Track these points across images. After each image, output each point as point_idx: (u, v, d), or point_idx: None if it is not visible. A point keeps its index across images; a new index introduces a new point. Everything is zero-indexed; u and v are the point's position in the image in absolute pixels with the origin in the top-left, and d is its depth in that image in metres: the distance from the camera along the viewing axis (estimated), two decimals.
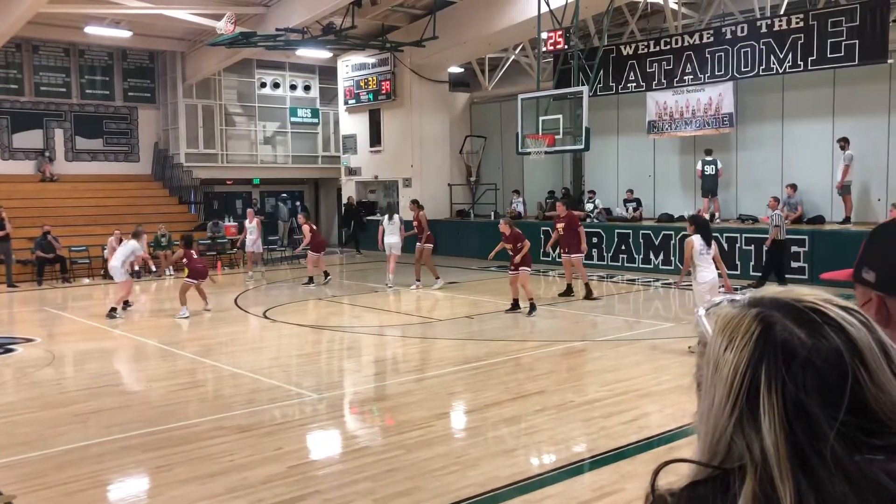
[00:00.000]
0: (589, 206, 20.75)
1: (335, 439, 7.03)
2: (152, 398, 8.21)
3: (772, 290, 0.88)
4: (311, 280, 17.16)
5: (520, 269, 12.46)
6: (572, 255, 14.17)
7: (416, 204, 16.73)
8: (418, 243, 16.19)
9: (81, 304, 16.02)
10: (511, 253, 12.65)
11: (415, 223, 16.36)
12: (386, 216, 17.02)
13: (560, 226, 14.31)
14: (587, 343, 10.82)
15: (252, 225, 18.53)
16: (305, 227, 17.13)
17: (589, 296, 13.95)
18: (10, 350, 10.93)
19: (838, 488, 0.74)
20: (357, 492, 5.40)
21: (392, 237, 16.44)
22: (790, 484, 0.75)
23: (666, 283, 16.18)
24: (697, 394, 0.90)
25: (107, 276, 19.36)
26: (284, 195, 27.33)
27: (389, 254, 16.38)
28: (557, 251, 15.55)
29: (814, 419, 0.77)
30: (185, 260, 13.87)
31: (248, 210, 20.09)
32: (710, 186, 18.21)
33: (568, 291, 14.40)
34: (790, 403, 0.77)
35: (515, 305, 12.76)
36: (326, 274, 17.39)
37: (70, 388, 8.79)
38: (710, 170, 18.14)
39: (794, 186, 17.02)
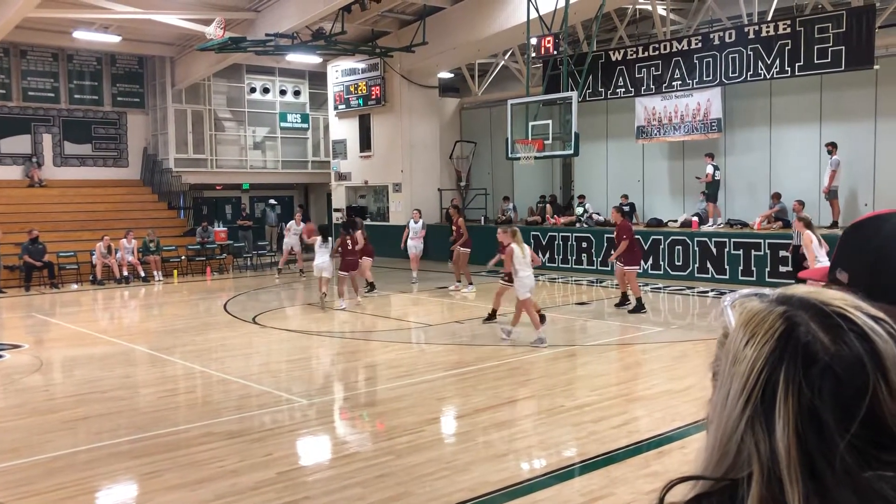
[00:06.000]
0: (579, 210, 20.82)
1: (325, 445, 7.02)
2: (141, 404, 8.17)
3: (802, 289, 0.86)
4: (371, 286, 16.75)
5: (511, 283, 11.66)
6: (625, 267, 13.38)
7: (456, 209, 17.57)
8: (453, 247, 16.76)
9: (69, 310, 15.94)
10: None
11: (454, 227, 16.98)
12: (411, 220, 18.68)
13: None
14: (577, 348, 10.84)
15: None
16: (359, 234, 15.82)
17: (636, 309, 13.13)
18: None
19: (845, 499, 0.73)
20: (347, 497, 5.39)
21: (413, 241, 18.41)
22: (799, 489, 0.74)
23: (655, 288, 16.24)
24: (713, 383, 0.89)
25: (95, 281, 19.35)
26: (273, 201, 27.27)
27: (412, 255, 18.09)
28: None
29: (826, 427, 0.75)
30: (339, 249, 14.80)
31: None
32: (716, 191, 18.24)
33: (622, 301, 13.63)
34: (804, 408, 0.76)
35: (492, 316, 12.33)
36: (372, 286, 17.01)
37: (58, 395, 8.74)
38: (718, 174, 18.18)
39: (777, 195, 17.14)
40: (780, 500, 0.76)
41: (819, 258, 10.58)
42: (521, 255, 10.58)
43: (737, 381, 0.81)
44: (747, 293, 0.88)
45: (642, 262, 17.79)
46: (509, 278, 11.30)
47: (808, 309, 0.81)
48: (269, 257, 23.70)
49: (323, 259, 14.82)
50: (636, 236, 14.14)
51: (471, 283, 16.42)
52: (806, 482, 0.75)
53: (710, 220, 18.06)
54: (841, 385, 0.76)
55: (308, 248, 21.50)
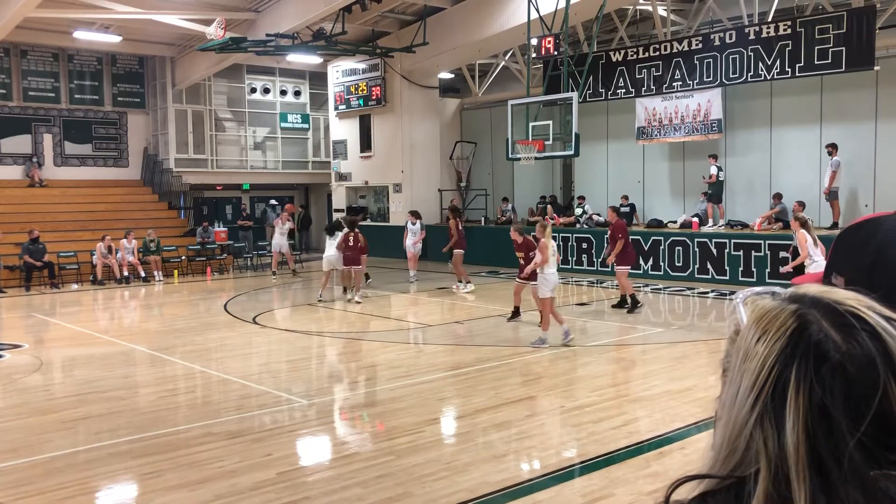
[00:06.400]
0: (578, 211, 20.81)
1: (325, 445, 7.02)
2: (141, 404, 8.17)
3: (814, 287, 0.86)
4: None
5: (531, 281, 11.48)
6: (617, 267, 13.46)
7: (451, 211, 18.02)
8: (445, 248, 17.32)
9: (70, 310, 15.94)
10: (522, 262, 11.89)
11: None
12: (408, 222, 18.74)
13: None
14: (577, 348, 10.83)
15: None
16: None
17: (632, 307, 13.32)
18: None
19: (851, 497, 0.74)
20: (347, 498, 5.39)
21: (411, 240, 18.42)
22: (806, 486, 0.75)
23: (655, 289, 16.24)
24: (722, 379, 0.88)
25: (95, 281, 19.35)
26: (274, 201, 27.25)
27: (410, 254, 18.17)
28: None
29: (836, 425, 0.75)
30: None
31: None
32: (719, 192, 18.21)
33: (621, 303, 13.71)
34: (815, 406, 0.76)
35: (516, 313, 12.54)
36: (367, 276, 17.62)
37: (58, 395, 8.74)
38: (722, 175, 18.14)
39: (778, 196, 17.15)
40: (787, 496, 0.76)
41: (814, 258, 10.58)
42: (552, 252, 10.49)
43: (747, 378, 0.81)
44: (760, 291, 0.88)
45: (641, 263, 17.88)
46: (525, 276, 11.64)
47: (821, 307, 0.81)
48: (269, 257, 23.65)
49: (330, 252, 15.77)
50: (629, 237, 14.14)
51: (469, 282, 16.59)
52: (813, 479, 0.75)
53: (711, 221, 18.05)
54: (852, 383, 0.76)
55: (309, 248, 21.51)
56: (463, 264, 16.81)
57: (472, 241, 21.63)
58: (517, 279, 12.30)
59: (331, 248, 15.78)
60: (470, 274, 16.90)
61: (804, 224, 11.08)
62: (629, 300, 13.40)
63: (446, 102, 24.80)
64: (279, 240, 20.17)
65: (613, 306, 13.79)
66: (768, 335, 0.81)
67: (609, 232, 13.91)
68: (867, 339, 0.78)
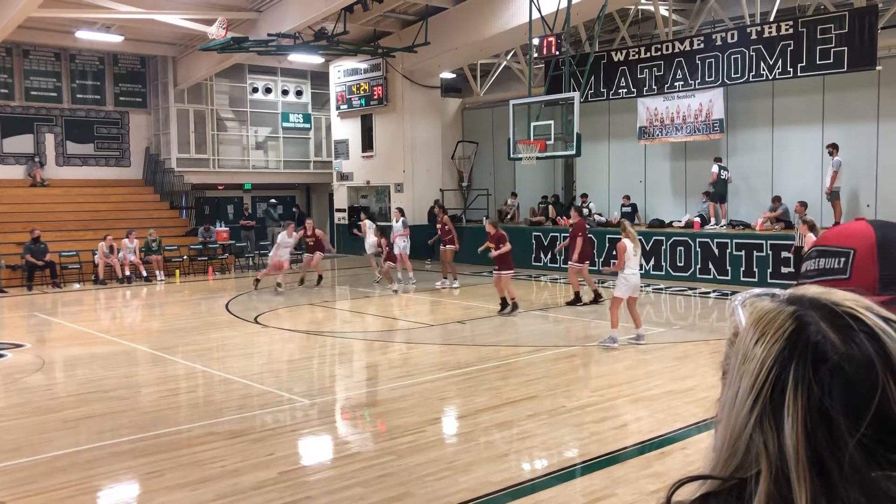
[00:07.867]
0: (585, 212, 20.77)
1: (327, 445, 7.02)
2: (143, 404, 8.18)
3: (813, 289, 0.86)
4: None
5: (501, 271, 13.11)
6: (571, 262, 14.18)
7: (441, 208, 18.28)
8: (442, 246, 17.54)
9: (71, 310, 15.95)
10: (495, 252, 13.17)
11: (439, 226, 17.82)
12: (394, 220, 18.92)
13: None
14: (578, 348, 10.84)
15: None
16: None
17: (575, 302, 14.24)
18: (0, 356, 10.87)
19: (852, 498, 0.74)
20: (348, 497, 5.39)
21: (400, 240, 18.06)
22: (807, 487, 0.75)
23: (657, 289, 16.22)
24: (722, 381, 0.89)
25: (97, 281, 19.36)
26: (274, 200, 27.22)
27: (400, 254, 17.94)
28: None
29: (835, 426, 0.75)
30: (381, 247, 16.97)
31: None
32: (723, 191, 18.19)
33: (575, 300, 14.32)
34: (813, 407, 0.76)
35: (504, 304, 13.27)
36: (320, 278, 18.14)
37: (60, 394, 8.75)
38: (725, 175, 18.11)
39: (777, 199, 17.13)
40: (788, 497, 0.76)
41: None
42: (633, 252, 10.48)
43: (746, 380, 0.81)
44: (758, 293, 0.88)
45: (643, 263, 17.84)
46: (500, 267, 13.04)
47: (819, 309, 0.82)
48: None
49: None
50: (589, 235, 15.01)
51: (455, 279, 17.01)
52: (814, 480, 0.75)
53: (713, 220, 18.03)
54: (850, 384, 0.76)
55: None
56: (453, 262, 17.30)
57: (473, 240, 21.66)
58: (494, 271, 13.40)
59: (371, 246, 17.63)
60: (471, 273, 16.93)
61: (812, 227, 11.03)
62: (580, 296, 14.23)
63: (448, 102, 24.80)
64: (284, 253, 17.31)
65: (590, 302, 14.21)
66: (766, 337, 0.81)
67: (571, 231, 14.54)
68: (865, 340, 0.78)
